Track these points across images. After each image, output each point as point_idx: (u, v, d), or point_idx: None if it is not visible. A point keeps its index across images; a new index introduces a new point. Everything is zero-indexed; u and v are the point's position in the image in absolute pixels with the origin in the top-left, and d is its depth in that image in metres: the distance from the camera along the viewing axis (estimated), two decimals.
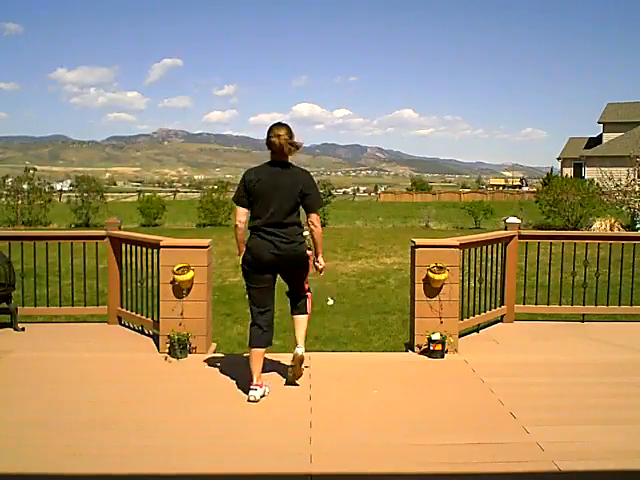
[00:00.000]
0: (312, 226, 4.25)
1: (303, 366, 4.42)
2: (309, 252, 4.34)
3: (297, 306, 4.50)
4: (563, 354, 5.36)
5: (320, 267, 4.42)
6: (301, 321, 4.46)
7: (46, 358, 5.10)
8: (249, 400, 4.14)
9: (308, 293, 4.51)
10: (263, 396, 4.21)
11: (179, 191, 60.19)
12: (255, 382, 4.20)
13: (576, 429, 3.73)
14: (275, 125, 4.21)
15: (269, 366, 5.00)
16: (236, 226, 4.31)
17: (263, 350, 4.30)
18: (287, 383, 4.48)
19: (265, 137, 4.16)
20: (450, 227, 21.12)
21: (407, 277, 8.02)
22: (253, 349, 4.27)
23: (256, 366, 4.24)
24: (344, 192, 73.20)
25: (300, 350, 4.33)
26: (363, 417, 3.95)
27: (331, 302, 4.73)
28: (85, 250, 6.17)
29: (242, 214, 4.24)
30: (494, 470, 3.24)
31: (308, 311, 4.51)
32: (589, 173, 34.73)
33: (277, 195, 4.12)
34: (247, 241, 4.26)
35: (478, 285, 5.98)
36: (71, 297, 6.40)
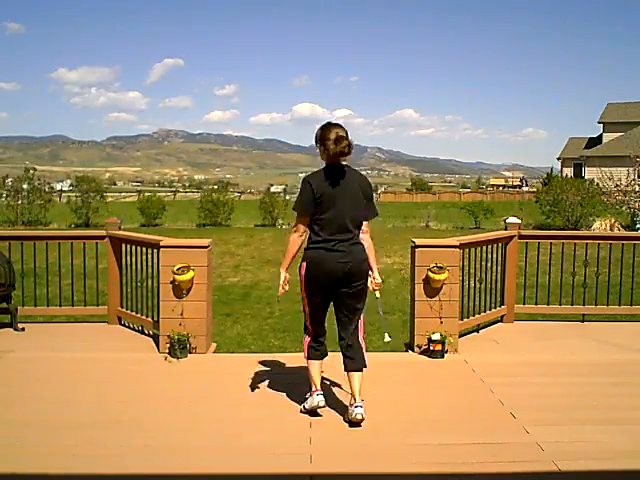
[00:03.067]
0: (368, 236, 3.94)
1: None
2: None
3: (351, 352, 3.90)
4: (563, 354, 5.36)
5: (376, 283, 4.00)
6: (358, 376, 3.88)
7: (46, 358, 5.10)
8: (319, 407, 3.85)
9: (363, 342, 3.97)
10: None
11: (179, 191, 60.19)
12: (318, 387, 3.90)
13: (576, 429, 3.73)
14: (332, 127, 3.87)
15: (269, 367, 5.01)
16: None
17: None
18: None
19: (317, 138, 3.88)
20: (450, 227, 21.10)
21: (407, 277, 8.03)
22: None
23: (318, 374, 3.95)
24: None
25: (360, 413, 3.75)
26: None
27: (388, 339, 4.33)
28: (85, 250, 6.17)
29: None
30: (494, 470, 3.24)
31: (365, 364, 3.91)
32: (589, 173, 34.73)
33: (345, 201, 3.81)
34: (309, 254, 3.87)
35: (478, 285, 5.98)
36: (71, 297, 6.41)
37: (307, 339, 4.01)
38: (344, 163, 3.90)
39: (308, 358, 3.99)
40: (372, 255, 3.96)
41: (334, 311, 3.97)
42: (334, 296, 3.89)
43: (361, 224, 3.91)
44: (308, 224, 3.86)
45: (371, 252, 3.95)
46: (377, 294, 4.01)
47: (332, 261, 3.78)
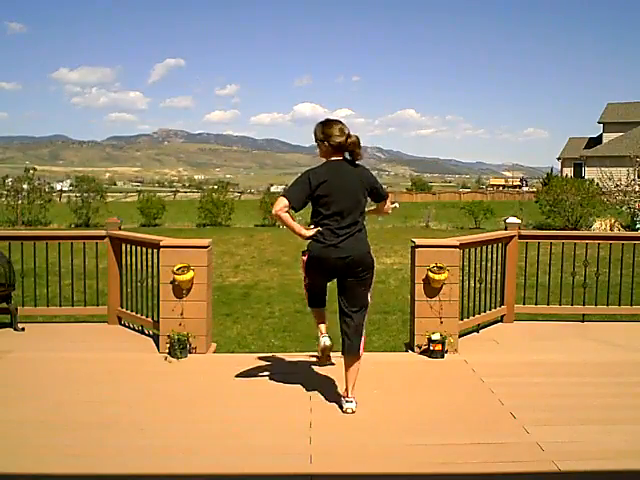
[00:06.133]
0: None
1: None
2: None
3: (349, 341, 4.00)
4: (563, 354, 5.36)
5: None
6: (352, 365, 4.02)
7: (46, 358, 5.10)
8: (325, 346, 4.21)
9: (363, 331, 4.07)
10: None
11: (179, 191, 60.23)
12: (323, 332, 4.24)
13: (576, 429, 3.73)
14: (334, 123, 3.96)
15: (269, 367, 5.01)
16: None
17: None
18: None
19: (317, 135, 3.95)
20: (450, 227, 21.11)
21: (407, 277, 8.02)
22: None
23: (321, 320, 4.30)
24: None
25: (349, 407, 3.96)
26: (363, 417, 3.95)
27: None
28: (85, 250, 6.17)
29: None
30: (494, 470, 3.24)
31: (361, 352, 4.04)
32: (589, 173, 34.77)
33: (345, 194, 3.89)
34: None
35: (478, 285, 5.98)
36: (71, 297, 6.40)
37: (307, 293, 4.29)
38: (344, 158, 3.97)
39: (309, 306, 4.35)
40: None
41: (337, 302, 4.05)
42: (337, 282, 4.05)
43: (363, 214, 4.02)
44: (294, 208, 3.93)
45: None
46: None
47: (332, 257, 3.87)
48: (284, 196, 3.91)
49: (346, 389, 4.03)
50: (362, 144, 4.02)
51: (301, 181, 3.92)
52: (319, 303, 4.31)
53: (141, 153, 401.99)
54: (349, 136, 3.93)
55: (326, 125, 3.97)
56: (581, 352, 5.46)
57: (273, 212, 3.90)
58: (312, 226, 3.96)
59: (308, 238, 3.95)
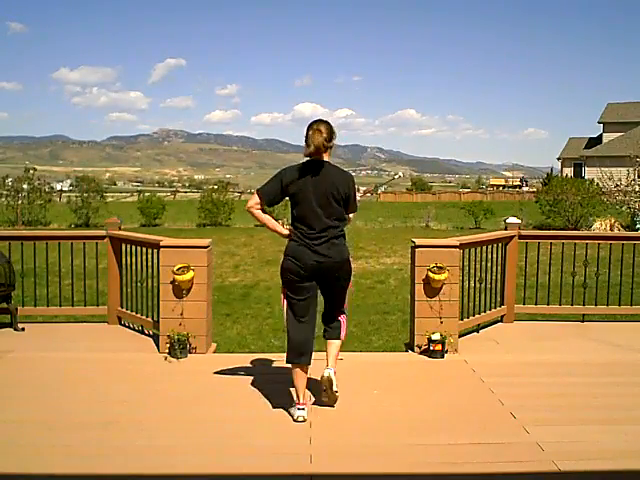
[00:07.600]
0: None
1: (334, 388, 3.96)
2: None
3: (331, 327, 4.13)
4: (563, 354, 5.36)
5: None
6: (334, 344, 4.11)
7: (46, 358, 5.10)
8: (297, 420, 3.78)
9: (343, 317, 4.15)
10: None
11: (179, 191, 60.25)
12: (301, 401, 3.86)
13: (576, 429, 3.73)
14: (315, 122, 3.84)
15: (269, 367, 5.01)
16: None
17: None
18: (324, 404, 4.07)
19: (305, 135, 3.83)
20: (450, 227, 21.10)
21: (407, 277, 8.02)
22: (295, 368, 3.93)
23: (301, 384, 3.90)
24: None
25: (328, 372, 3.94)
26: (363, 417, 3.95)
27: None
28: (85, 250, 6.17)
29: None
30: (494, 470, 3.24)
31: (342, 337, 4.15)
32: (589, 173, 34.74)
33: (315, 197, 3.79)
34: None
35: (478, 285, 5.98)
36: (71, 297, 6.40)
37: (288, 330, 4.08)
38: (325, 159, 3.86)
39: (287, 361, 3.98)
40: None
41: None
42: (315, 290, 3.96)
43: (342, 219, 3.92)
44: (264, 205, 3.93)
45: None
46: None
47: (306, 258, 3.83)
48: (257, 191, 3.94)
49: (327, 361, 4.02)
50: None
51: (274, 177, 3.94)
52: (302, 347, 3.89)
53: (141, 153, 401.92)
54: (313, 136, 3.77)
55: (309, 125, 3.85)
56: (581, 352, 5.46)
57: (245, 208, 3.96)
58: (294, 223, 3.92)
59: (285, 237, 4.00)
